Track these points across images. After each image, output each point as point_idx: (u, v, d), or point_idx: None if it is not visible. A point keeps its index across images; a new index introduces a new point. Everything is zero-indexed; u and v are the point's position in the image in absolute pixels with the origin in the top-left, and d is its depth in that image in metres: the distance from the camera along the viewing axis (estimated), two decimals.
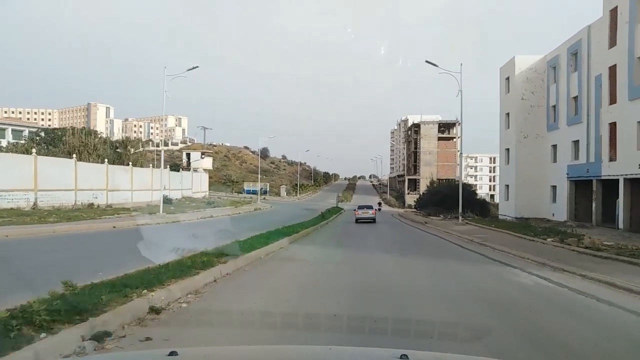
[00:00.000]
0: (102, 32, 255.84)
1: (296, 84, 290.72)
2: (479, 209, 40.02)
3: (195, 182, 47.50)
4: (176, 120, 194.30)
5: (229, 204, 45.01)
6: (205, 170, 50.89)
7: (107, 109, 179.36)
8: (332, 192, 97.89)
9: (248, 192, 72.12)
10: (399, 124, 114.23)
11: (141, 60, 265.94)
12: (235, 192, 69.07)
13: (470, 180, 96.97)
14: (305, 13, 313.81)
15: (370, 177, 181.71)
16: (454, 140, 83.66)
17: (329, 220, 32.26)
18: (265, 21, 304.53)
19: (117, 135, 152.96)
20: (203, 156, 50.28)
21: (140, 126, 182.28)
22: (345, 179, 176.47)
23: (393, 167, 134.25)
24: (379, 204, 63.83)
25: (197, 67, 27.68)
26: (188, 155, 51.72)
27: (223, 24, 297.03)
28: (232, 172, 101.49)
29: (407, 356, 1.80)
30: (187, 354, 1.93)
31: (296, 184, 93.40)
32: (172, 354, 1.78)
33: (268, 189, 74.61)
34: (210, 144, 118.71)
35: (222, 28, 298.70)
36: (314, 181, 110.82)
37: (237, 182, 78.94)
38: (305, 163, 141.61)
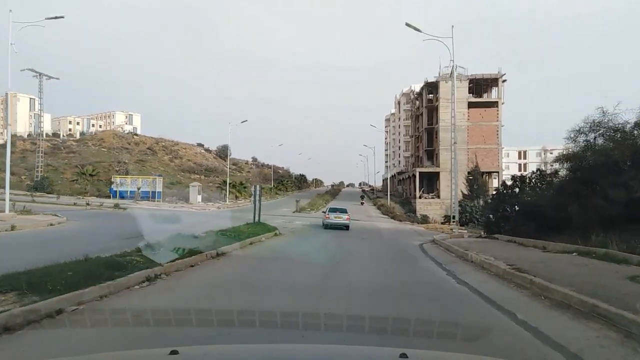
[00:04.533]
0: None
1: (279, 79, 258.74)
2: None
3: None
4: (126, 117, 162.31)
5: None
6: None
7: (32, 100, 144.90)
8: (302, 198, 65.16)
9: (122, 193, 38.23)
10: (398, 102, 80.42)
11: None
12: (96, 195, 35.31)
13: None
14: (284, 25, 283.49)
15: (360, 184, 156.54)
16: (496, 108, 50.74)
17: None
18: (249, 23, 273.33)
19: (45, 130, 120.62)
20: None
21: (78, 123, 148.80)
22: (331, 185, 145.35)
23: (388, 167, 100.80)
24: (362, 197, 63.68)
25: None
26: None
27: (178, 20, 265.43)
28: (150, 169, 67.99)
29: (406, 355, 1.76)
30: (187, 353, 1.90)
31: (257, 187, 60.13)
32: (173, 352, 1.76)
33: (160, 190, 40.22)
34: (131, 132, 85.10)
35: (189, 25, 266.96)
36: (274, 184, 76.72)
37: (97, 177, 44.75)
38: (283, 167, 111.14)
